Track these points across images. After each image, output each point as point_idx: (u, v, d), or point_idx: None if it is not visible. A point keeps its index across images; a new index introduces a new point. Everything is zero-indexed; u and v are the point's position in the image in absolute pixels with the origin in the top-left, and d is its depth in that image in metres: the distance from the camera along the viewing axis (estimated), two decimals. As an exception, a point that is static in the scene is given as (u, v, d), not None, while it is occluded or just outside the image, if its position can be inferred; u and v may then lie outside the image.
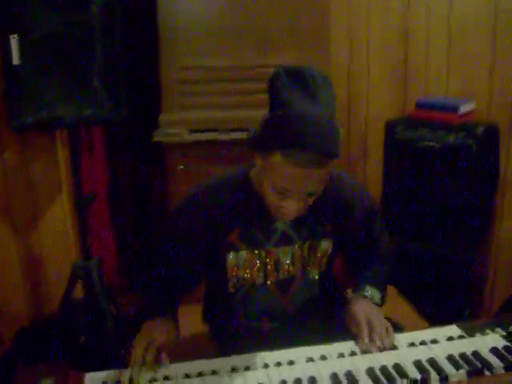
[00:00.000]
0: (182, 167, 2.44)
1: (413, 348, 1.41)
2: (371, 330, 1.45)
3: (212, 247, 1.56)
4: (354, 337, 1.48)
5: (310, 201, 1.40)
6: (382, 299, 1.62)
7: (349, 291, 1.77)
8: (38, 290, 2.81)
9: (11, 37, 2.08)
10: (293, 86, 1.31)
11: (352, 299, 1.60)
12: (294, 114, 1.27)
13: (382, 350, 1.41)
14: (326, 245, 1.62)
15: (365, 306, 1.55)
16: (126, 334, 2.45)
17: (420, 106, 2.71)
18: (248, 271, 1.58)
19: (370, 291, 1.60)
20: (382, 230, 1.74)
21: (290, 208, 1.37)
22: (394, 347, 1.42)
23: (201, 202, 1.53)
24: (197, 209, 1.53)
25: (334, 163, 1.34)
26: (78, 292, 2.60)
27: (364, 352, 1.41)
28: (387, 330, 1.46)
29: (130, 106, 2.28)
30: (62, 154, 2.70)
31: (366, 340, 1.42)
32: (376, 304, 1.59)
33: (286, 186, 1.33)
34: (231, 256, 1.56)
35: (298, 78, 1.31)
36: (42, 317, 2.82)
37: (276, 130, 1.29)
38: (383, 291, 1.63)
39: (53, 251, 2.79)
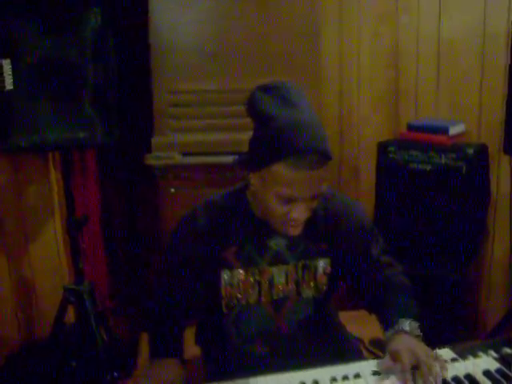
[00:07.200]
0: (173, 190, 2.44)
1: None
2: (418, 365, 1.33)
3: (207, 265, 1.56)
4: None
5: (314, 204, 1.42)
6: (420, 329, 1.48)
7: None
8: (30, 314, 2.79)
9: (4, 61, 2.10)
10: (272, 100, 1.38)
11: (391, 337, 1.44)
12: (282, 124, 1.32)
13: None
14: (322, 264, 1.60)
15: (407, 341, 1.41)
16: (117, 359, 2.44)
17: (411, 127, 2.73)
18: (242, 290, 1.57)
19: (408, 323, 1.45)
20: (386, 253, 1.66)
21: (299, 214, 1.39)
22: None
23: (199, 220, 1.54)
24: (195, 226, 1.54)
25: (328, 175, 1.38)
26: (70, 316, 2.58)
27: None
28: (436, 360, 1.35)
29: (122, 129, 2.30)
30: (55, 177, 2.70)
31: (409, 376, 1.31)
32: (417, 336, 1.44)
33: (292, 193, 1.35)
34: (225, 274, 1.55)
35: (275, 92, 1.39)
36: (33, 341, 2.79)
37: (269, 144, 1.33)
38: (418, 321, 1.48)
39: (45, 275, 2.78)
